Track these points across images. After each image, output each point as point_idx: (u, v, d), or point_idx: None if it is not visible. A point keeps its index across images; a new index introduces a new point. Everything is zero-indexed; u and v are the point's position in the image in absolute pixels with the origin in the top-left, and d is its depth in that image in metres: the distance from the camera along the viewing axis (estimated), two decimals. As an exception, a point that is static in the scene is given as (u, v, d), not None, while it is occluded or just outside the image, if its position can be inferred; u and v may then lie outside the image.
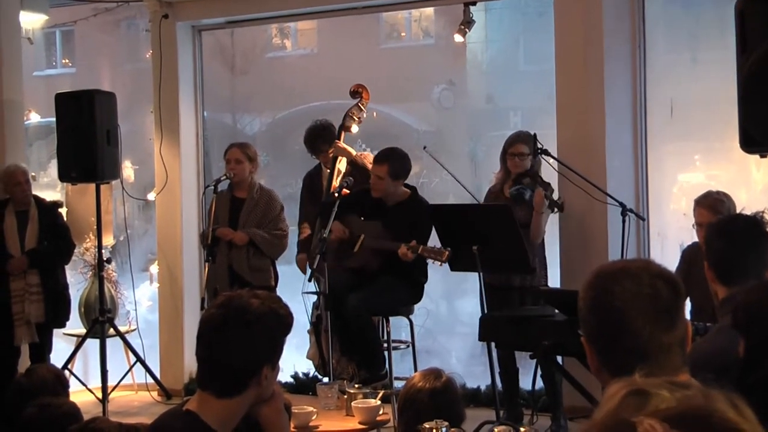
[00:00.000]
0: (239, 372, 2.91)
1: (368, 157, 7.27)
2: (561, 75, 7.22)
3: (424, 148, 7.16)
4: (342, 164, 7.50)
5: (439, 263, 6.42)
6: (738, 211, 5.53)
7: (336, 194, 6.93)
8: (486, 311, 6.41)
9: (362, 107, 7.54)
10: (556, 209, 6.40)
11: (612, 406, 1.63)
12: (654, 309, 2.27)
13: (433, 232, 6.55)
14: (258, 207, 7.51)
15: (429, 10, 8.95)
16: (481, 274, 6.09)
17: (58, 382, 4.46)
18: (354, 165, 7.37)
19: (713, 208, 5.61)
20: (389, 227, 6.79)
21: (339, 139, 7.47)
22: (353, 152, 7.45)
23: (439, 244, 6.41)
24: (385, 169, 6.83)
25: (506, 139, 6.92)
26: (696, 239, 5.84)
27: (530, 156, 6.69)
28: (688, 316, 5.46)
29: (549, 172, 6.86)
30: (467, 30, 7.71)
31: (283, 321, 2.97)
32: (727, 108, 5.25)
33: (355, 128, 7.55)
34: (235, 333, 2.90)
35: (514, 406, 6.91)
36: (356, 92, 7.56)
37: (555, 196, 6.57)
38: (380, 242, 6.79)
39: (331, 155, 7.49)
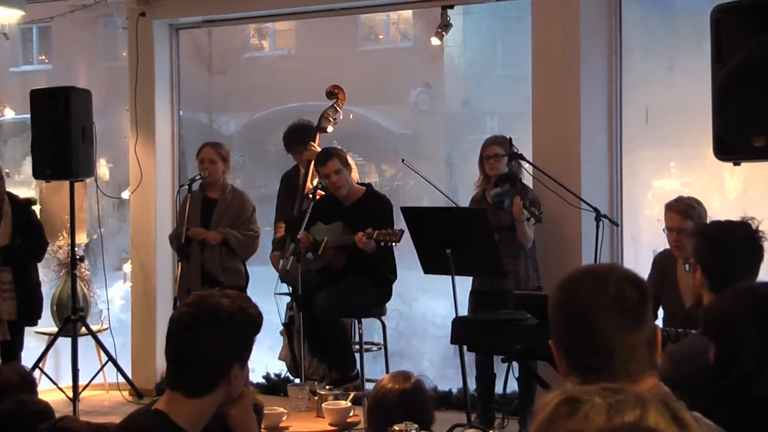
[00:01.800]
0: (209, 371, 2.91)
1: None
2: (537, 80, 7.24)
3: (402, 160, 7.16)
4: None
5: (394, 244, 6.49)
6: (709, 219, 5.55)
7: (310, 196, 6.96)
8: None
9: (338, 108, 7.55)
10: (534, 220, 6.42)
11: (545, 415, 1.64)
12: (618, 308, 2.29)
13: (407, 234, 6.55)
14: (231, 208, 7.51)
15: (407, 13, 8.95)
16: (454, 277, 6.09)
17: (24, 383, 4.39)
18: None
19: (684, 213, 5.64)
20: (350, 225, 6.83)
21: (314, 141, 7.48)
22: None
23: (413, 248, 6.42)
24: (336, 162, 6.91)
25: (482, 145, 6.95)
26: (667, 244, 5.87)
27: (506, 157, 6.71)
28: (660, 323, 5.52)
29: (524, 176, 6.88)
30: (444, 33, 7.72)
31: (253, 320, 2.97)
32: (702, 115, 5.26)
33: (330, 129, 7.56)
34: (205, 332, 2.89)
35: (488, 410, 6.91)
36: (332, 93, 7.56)
37: (535, 202, 6.60)
38: (341, 239, 6.82)
39: (305, 159, 7.50)
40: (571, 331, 2.34)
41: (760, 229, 3.89)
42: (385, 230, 6.58)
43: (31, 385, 4.43)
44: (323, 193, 7.01)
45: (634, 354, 2.30)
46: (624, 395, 1.64)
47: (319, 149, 7.43)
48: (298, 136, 7.63)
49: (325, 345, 6.91)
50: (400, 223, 6.67)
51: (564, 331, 2.36)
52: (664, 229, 5.77)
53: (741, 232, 3.88)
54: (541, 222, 6.54)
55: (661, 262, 5.89)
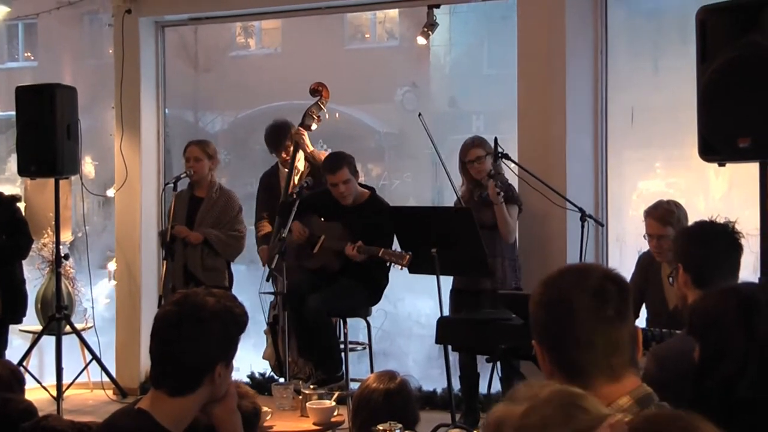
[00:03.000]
0: (192, 369, 2.90)
1: (324, 156, 7.25)
2: (523, 80, 7.25)
3: (419, 115, 6.95)
4: (300, 163, 7.50)
5: (400, 267, 6.43)
6: (691, 220, 5.56)
7: (295, 194, 6.92)
8: (451, 315, 6.47)
9: (322, 106, 7.53)
10: (501, 193, 6.43)
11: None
12: (598, 302, 2.32)
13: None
14: (216, 207, 7.49)
15: (393, 12, 8.94)
16: (439, 276, 6.09)
17: (14, 378, 4.37)
18: (310, 162, 7.36)
19: (662, 219, 5.65)
20: (350, 228, 6.79)
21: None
22: (309, 147, 7.44)
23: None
24: (346, 172, 6.83)
25: (459, 151, 6.94)
26: (645, 246, 5.88)
27: (488, 156, 6.72)
28: (643, 323, 5.54)
29: (509, 176, 6.90)
30: (430, 33, 7.72)
31: (237, 319, 2.97)
32: (687, 116, 5.28)
33: (314, 127, 7.53)
34: (189, 330, 2.89)
35: (472, 410, 6.92)
36: (316, 90, 7.54)
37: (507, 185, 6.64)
38: (339, 243, 6.79)
39: (290, 144, 7.46)
40: (553, 327, 2.36)
41: (736, 227, 3.91)
42: (392, 251, 6.52)
43: (20, 382, 4.40)
44: (308, 191, 6.97)
45: (617, 348, 2.33)
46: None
47: (305, 138, 7.40)
48: (281, 134, 7.60)
49: (313, 346, 6.90)
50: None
51: (546, 327, 2.38)
52: (644, 235, 5.77)
53: (718, 228, 3.91)
54: (521, 209, 6.66)
55: (646, 261, 5.90)
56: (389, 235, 6.69)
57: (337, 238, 6.84)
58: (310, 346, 6.92)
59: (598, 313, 2.31)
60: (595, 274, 2.36)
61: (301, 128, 7.44)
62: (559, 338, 2.34)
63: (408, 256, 6.25)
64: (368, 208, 6.96)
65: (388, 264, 6.60)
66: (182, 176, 7.43)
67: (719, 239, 3.83)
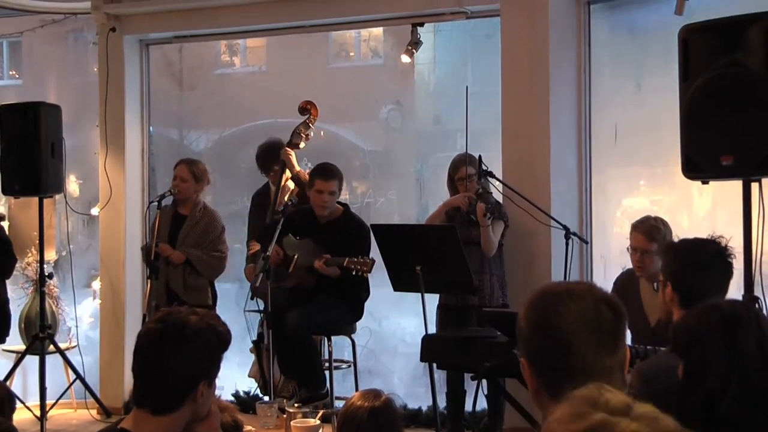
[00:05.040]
0: (175, 388, 2.89)
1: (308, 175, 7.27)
2: (507, 97, 7.27)
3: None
4: (289, 181, 7.52)
5: (364, 273, 6.45)
6: (677, 237, 5.56)
7: (280, 211, 6.94)
8: (439, 332, 6.47)
9: (310, 124, 7.55)
10: (490, 216, 6.44)
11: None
12: (598, 332, 2.28)
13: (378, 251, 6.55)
14: (198, 226, 7.49)
15: (378, 31, 8.97)
16: (423, 294, 6.08)
17: (7, 400, 4.32)
18: (296, 182, 7.38)
19: (649, 234, 5.63)
20: (322, 244, 6.81)
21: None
22: (296, 167, 7.46)
23: (383, 265, 6.41)
24: (336, 184, 6.89)
25: (449, 167, 6.96)
26: (630, 263, 5.87)
27: (476, 175, 6.73)
28: (628, 341, 5.53)
29: (494, 194, 6.90)
30: (414, 51, 7.75)
31: (221, 338, 2.96)
32: (671, 134, 5.29)
33: (302, 145, 7.55)
34: (172, 348, 2.88)
35: (458, 428, 6.91)
36: (305, 109, 7.56)
37: (496, 206, 6.65)
38: (311, 259, 6.80)
39: (276, 177, 7.51)
40: (550, 353, 2.31)
41: (728, 246, 3.92)
42: (356, 258, 6.54)
43: (12, 404, 4.34)
44: (294, 209, 6.98)
45: (612, 375, 2.30)
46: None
47: (292, 158, 7.43)
48: (273, 154, 7.63)
49: (295, 363, 6.88)
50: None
51: (541, 351, 2.33)
52: (628, 248, 5.77)
53: (711, 249, 3.91)
54: (507, 225, 6.69)
55: (623, 282, 5.88)
56: (361, 249, 6.71)
57: (309, 255, 6.86)
58: (292, 363, 6.91)
59: (597, 344, 2.27)
60: (591, 301, 2.31)
61: (288, 148, 7.46)
62: (552, 364, 2.30)
63: (371, 261, 6.29)
64: (340, 224, 7.00)
65: (354, 273, 6.60)
66: (166, 194, 7.43)
67: (713, 265, 3.84)
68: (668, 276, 3.91)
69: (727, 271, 3.87)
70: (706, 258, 3.87)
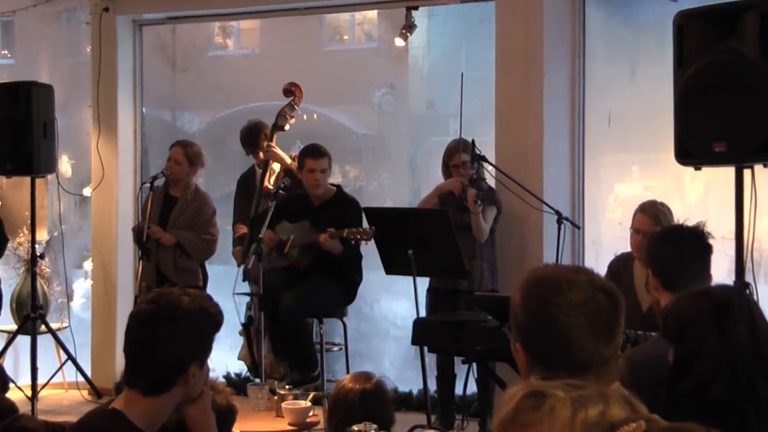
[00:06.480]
0: (166, 369, 2.89)
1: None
2: (501, 83, 7.26)
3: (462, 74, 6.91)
4: (276, 164, 7.51)
5: (365, 242, 6.47)
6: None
7: (273, 194, 6.95)
8: (429, 315, 6.47)
9: (295, 106, 7.54)
10: (480, 202, 6.45)
11: (510, 408, 1.65)
12: (597, 323, 2.29)
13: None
14: (189, 209, 7.49)
15: (372, 14, 8.94)
16: (415, 278, 6.08)
17: (0, 379, 4.31)
18: (290, 174, 7.36)
19: (656, 217, 5.64)
20: (317, 225, 6.82)
21: (272, 140, 7.47)
22: (287, 159, 7.45)
23: (375, 249, 6.41)
24: (327, 162, 6.93)
25: (444, 153, 6.95)
26: (629, 247, 5.87)
27: (470, 161, 6.73)
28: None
29: (486, 178, 6.90)
30: (409, 34, 7.73)
31: (212, 318, 2.95)
32: (664, 120, 5.30)
33: (287, 127, 7.53)
34: (163, 329, 2.87)
35: (448, 411, 6.92)
36: (289, 91, 7.54)
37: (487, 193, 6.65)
38: (310, 237, 6.81)
39: (262, 158, 7.50)
40: (549, 343, 2.31)
41: (705, 228, 3.91)
42: (356, 229, 6.55)
43: (5, 383, 4.34)
44: (284, 193, 6.96)
45: (608, 364, 2.31)
46: (587, 390, 1.65)
47: (279, 152, 7.43)
48: (256, 134, 7.62)
49: (288, 346, 6.89)
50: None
51: (539, 341, 2.33)
52: (630, 228, 5.77)
53: (685, 230, 3.91)
54: (501, 211, 6.71)
55: (617, 266, 5.90)
56: (358, 224, 6.75)
57: (306, 234, 6.87)
58: (285, 346, 6.92)
59: (595, 335, 2.28)
60: (590, 291, 2.32)
61: (271, 144, 7.44)
62: (550, 353, 2.30)
63: (372, 230, 6.30)
64: (335, 204, 7.05)
65: (353, 243, 6.61)
66: (159, 175, 7.42)
67: (685, 240, 3.81)
68: (648, 262, 3.91)
69: (704, 248, 3.83)
70: (678, 235, 3.87)
